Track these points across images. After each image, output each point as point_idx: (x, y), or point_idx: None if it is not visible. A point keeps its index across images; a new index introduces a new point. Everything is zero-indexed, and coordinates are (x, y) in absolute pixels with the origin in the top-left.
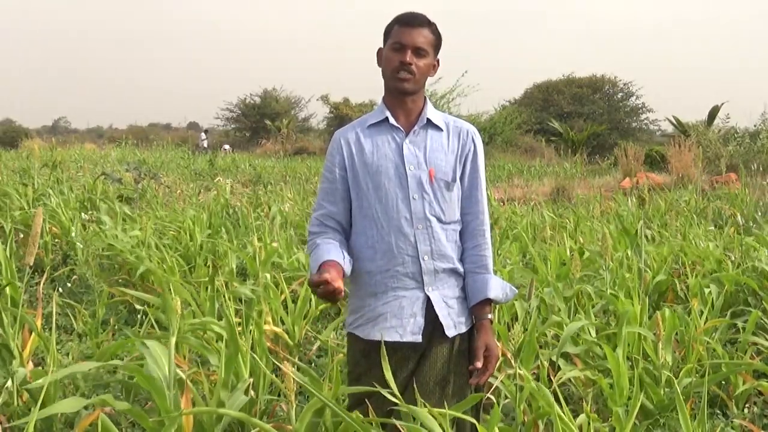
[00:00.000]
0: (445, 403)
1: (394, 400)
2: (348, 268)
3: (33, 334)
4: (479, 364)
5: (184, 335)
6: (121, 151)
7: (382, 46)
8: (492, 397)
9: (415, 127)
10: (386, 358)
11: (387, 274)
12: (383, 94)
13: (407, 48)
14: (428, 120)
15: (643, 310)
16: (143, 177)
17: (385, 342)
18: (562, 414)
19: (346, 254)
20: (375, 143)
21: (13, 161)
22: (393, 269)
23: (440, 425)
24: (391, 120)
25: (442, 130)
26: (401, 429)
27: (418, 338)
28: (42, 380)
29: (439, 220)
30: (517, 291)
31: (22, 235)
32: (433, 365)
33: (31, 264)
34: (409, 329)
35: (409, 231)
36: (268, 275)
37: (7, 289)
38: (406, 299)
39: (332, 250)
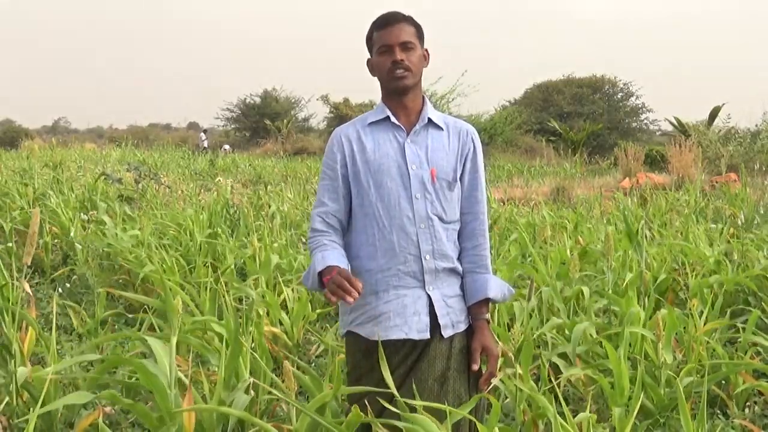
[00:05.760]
0: (444, 401)
1: (396, 401)
2: None
3: (29, 334)
4: (476, 367)
5: (185, 335)
6: (122, 151)
7: (369, 57)
8: (490, 397)
9: (416, 127)
10: (384, 357)
11: (388, 273)
12: (381, 97)
13: (394, 47)
14: (429, 119)
15: (647, 310)
16: (143, 177)
17: (389, 341)
18: (562, 421)
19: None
20: (376, 141)
21: (13, 161)
22: (395, 268)
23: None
24: (393, 119)
25: (442, 130)
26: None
27: (426, 335)
28: (48, 369)
29: (441, 220)
30: (514, 291)
31: (22, 235)
32: (431, 363)
33: (29, 263)
34: (414, 327)
35: (411, 230)
36: (264, 277)
37: (5, 289)
38: (408, 298)
39: (341, 259)
